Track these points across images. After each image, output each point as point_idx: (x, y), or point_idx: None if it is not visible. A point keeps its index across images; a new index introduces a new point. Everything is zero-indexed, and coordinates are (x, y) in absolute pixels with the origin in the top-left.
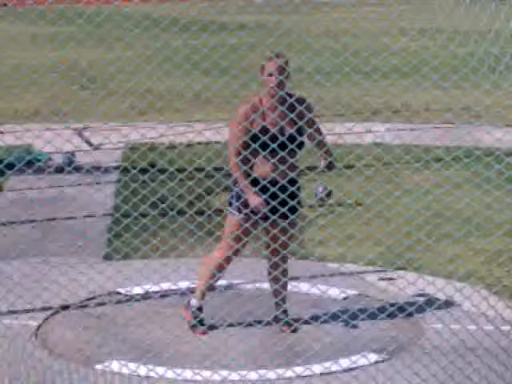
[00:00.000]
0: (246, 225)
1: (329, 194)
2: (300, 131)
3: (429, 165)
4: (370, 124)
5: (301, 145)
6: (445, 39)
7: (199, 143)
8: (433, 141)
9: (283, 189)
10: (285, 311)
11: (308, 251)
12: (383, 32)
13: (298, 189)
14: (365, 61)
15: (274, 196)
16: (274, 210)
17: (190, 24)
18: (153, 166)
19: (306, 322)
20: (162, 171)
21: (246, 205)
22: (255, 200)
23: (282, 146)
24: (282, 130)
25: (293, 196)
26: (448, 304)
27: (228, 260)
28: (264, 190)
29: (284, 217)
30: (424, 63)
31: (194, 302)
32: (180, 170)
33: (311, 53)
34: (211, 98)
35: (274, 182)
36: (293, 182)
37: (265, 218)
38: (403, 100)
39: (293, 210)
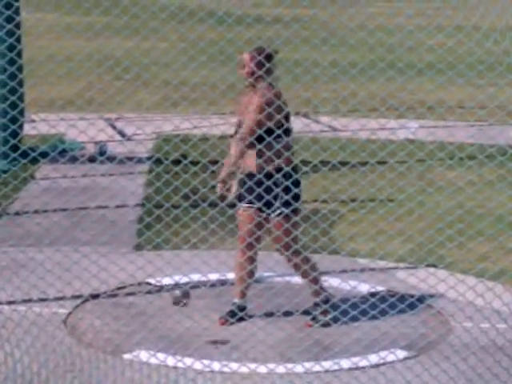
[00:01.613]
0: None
1: (185, 295)
2: (259, 123)
3: (462, 162)
4: (403, 120)
5: (260, 138)
6: (481, 36)
7: (232, 136)
8: (466, 138)
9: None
10: (315, 305)
11: (339, 246)
12: (419, 28)
13: (274, 183)
14: (400, 57)
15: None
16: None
17: (225, 16)
18: (185, 157)
19: (335, 317)
20: (195, 163)
21: (239, 197)
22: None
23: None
24: (239, 123)
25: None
26: (478, 302)
27: (242, 254)
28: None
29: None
30: (459, 60)
31: (235, 299)
32: (212, 162)
33: (346, 47)
34: (245, 91)
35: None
36: (252, 175)
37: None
38: (437, 97)
39: (270, 203)
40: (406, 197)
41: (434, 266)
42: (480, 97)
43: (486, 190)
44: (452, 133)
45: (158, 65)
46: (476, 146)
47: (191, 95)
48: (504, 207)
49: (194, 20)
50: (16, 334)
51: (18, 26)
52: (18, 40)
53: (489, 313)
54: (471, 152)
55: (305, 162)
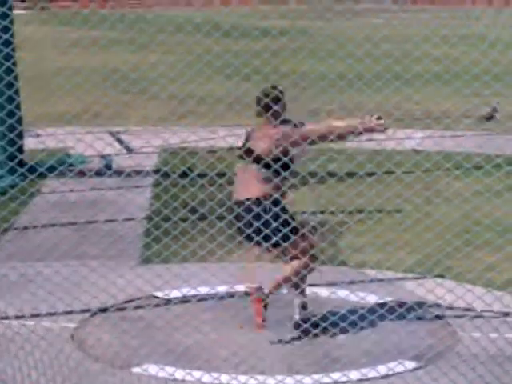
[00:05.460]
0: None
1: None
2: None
3: (468, 172)
4: (410, 131)
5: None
6: (486, 47)
7: (239, 148)
8: (473, 148)
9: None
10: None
11: (346, 258)
12: (424, 39)
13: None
14: (406, 67)
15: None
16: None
17: (232, 29)
18: (192, 170)
19: (344, 329)
20: (202, 176)
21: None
22: None
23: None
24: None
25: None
26: (486, 312)
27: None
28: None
29: None
30: (465, 71)
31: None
32: (219, 175)
33: (352, 59)
34: (251, 104)
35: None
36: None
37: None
38: (443, 107)
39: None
40: (413, 207)
41: (442, 276)
42: (486, 107)
43: (493, 199)
44: (459, 143)
45: (164, 78)
46: (483, 156)
47: (198, 109)
48: (511, 217)
49: (201, 33)
50: (24, 348)
51: (12, 35)
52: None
53: (497, 322)
54: (478, 162)
55: (312, 174)
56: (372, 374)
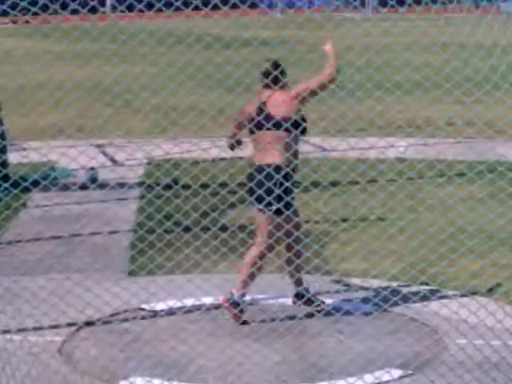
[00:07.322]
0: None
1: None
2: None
3: (452, 180)
4: (392, 139)
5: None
6: (467, 55)
7: (222, 159)
8: (456, 156)
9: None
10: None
11: (332, 267)
12: (406, 47)
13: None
14: (387, 77)
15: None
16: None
17: (213, 41)
18: (176, 182)
19: (330, 338)
20: (186, 187)
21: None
22: None
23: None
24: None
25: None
26: (472, 319)
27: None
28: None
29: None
30: (446, 79)
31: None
32: (203, 186)
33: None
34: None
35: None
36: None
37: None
38: (425, 115)
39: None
40: (397, 216)
41: (427, 284)
42: (468, 115)
43: (477, 207)
44: (441, 151)
45: (147, 91)
46: (465, 163)
47: (181, 120)
48: (495, 224)
49: (182, 45)
50: (11, 363)
51: None
52: None
53: (482, 330)
54: (461, 170)
55: (295, 183)
56: (359, 383)
